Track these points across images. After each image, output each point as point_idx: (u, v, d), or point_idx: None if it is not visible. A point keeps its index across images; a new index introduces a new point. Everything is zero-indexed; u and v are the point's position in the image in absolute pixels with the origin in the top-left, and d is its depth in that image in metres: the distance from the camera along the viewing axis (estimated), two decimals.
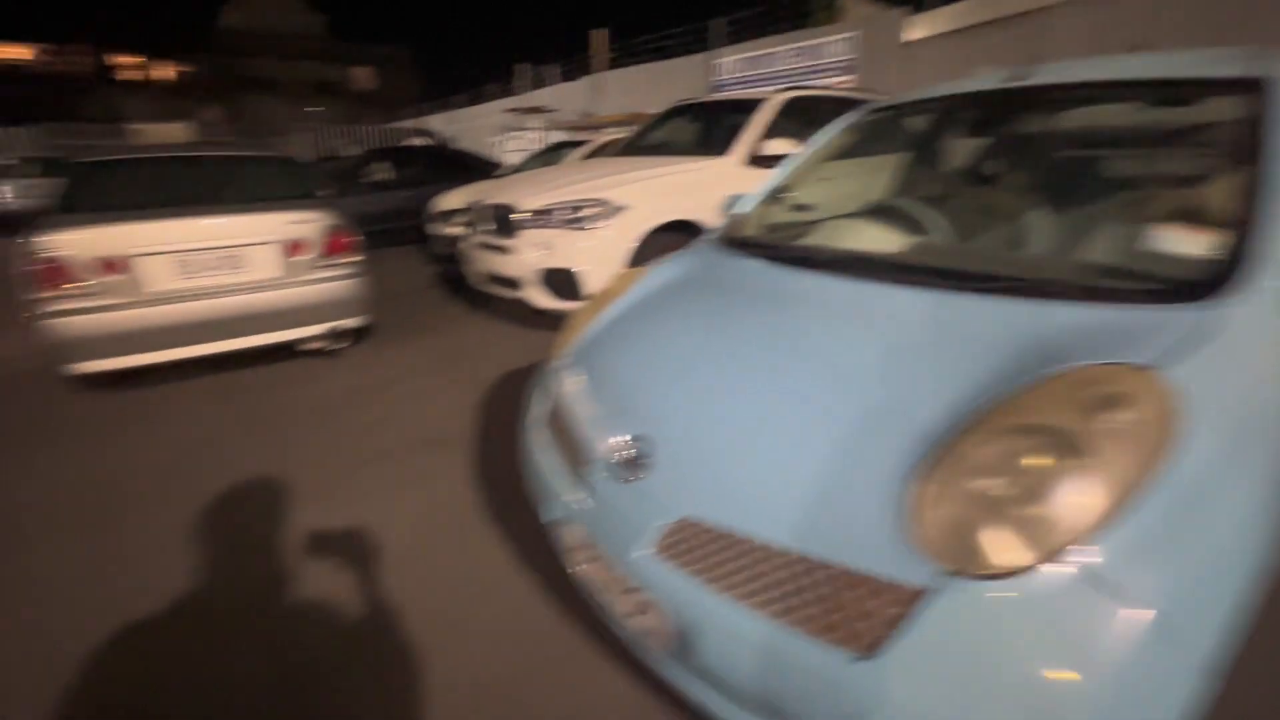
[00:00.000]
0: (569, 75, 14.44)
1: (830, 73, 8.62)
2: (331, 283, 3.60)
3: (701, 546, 1.11)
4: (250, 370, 3.78)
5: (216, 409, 3.28)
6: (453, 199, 6.41)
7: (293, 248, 3.46)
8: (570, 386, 1.62)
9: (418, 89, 39.80)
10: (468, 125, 18.36)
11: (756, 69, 9.57)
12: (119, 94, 33.75)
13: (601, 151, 6.50)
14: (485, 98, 17.92)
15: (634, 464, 1.26)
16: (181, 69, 38.27)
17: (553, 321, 4.32)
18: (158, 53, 36.28)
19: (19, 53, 33.06)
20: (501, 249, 4.05)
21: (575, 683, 1.54)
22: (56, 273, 2.92)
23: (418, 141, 11.64)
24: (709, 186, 4.04)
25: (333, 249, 3.60)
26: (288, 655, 1.65)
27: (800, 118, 4.40)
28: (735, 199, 2.39)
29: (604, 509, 1.31)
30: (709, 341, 1.49)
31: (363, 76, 43.03)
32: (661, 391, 1.36)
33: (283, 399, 3.39)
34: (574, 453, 1.46)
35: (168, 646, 1.70)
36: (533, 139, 12.63)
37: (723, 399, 1.29)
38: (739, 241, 1.96)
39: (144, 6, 35.01)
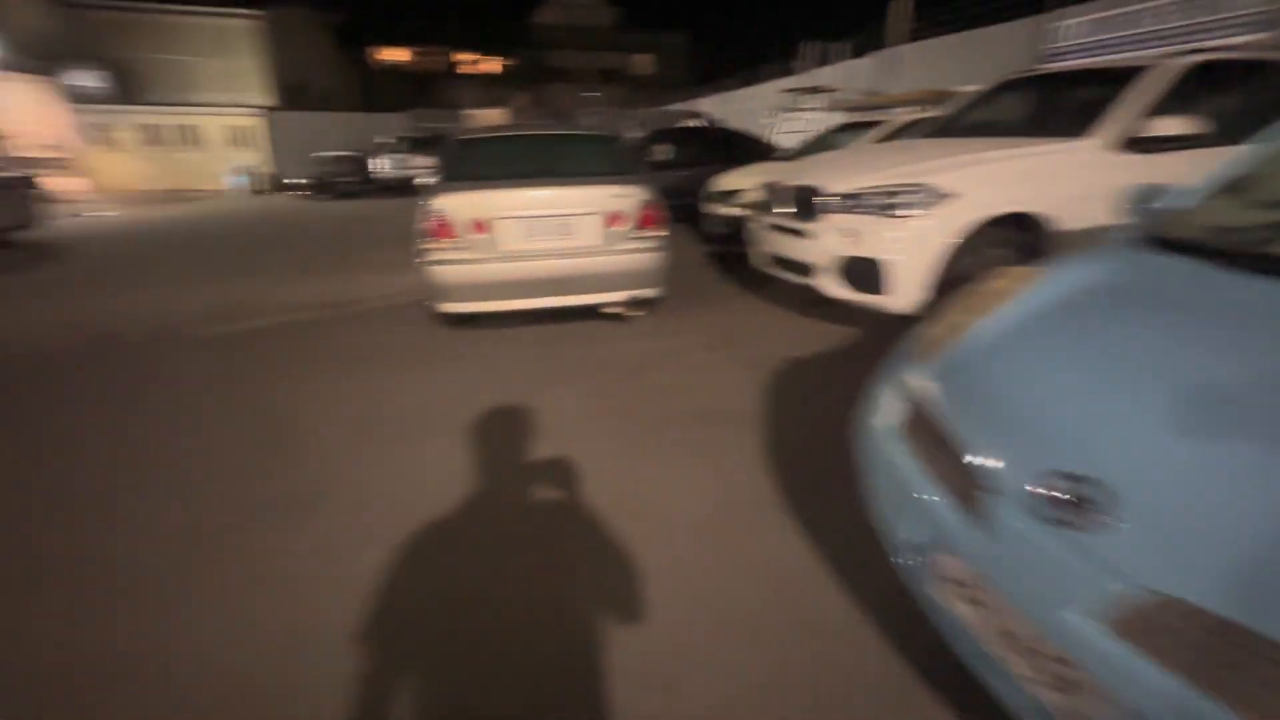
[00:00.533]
0: (859, 51, 13.55)
1: (1230, 31, 6.60)
2: (639, 253, 3.87)
3: (1189, 635, 0.86)
4: (556, 325, 4.28)
5: (535, 354, 3.78)
6: (732, 180, 6.46)
7: (612, 219, 3.78)
8: (948, 397, 1.43)
9: (692, 72, 41.34)
10: (739, 107, 18.48)
11: (1113, 31, 7.79)
12: (460, 85, 41.33)
13: (903, 134, 5.93)
14: (761, 78, 17.83)
15: (1075, 508, 1.03)
16: (503, 63, 45.24)
17: (840, 312, 4.12)
18: (489, 50, 43.28)
19: (398, 55, 42.26)
20: (798, 232, 3.92)
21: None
22: (443, 229, 3.61)
23: (693, 123, 12.08)
24: (1061, 174, 3.38)
25: (645, 222, 3.85)
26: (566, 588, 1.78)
27: (1208, 89, 3.42)
28: (1150, 190, 1.90)
29: (1010, 550, 1.10)
30: (1170, 368, 1.17)
31: (642, 62, 46.19)
32: (1117, 426, 1.10)
33: (585, 354, 3.77)
34: (958, 475, 1.27)
35: (457, 559, 1.96)
36: (811, 120, 12.19)
37: (1209, 446, 0.99)
38: (1179, 243, 1.53)
39: (482, 13, 41.61)
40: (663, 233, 3.96)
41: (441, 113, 23.43)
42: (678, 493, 2.30)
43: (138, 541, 2.08)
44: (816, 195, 3.75)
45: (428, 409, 3.08)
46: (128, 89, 19.05)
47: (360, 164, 17.02)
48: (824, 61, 14.32)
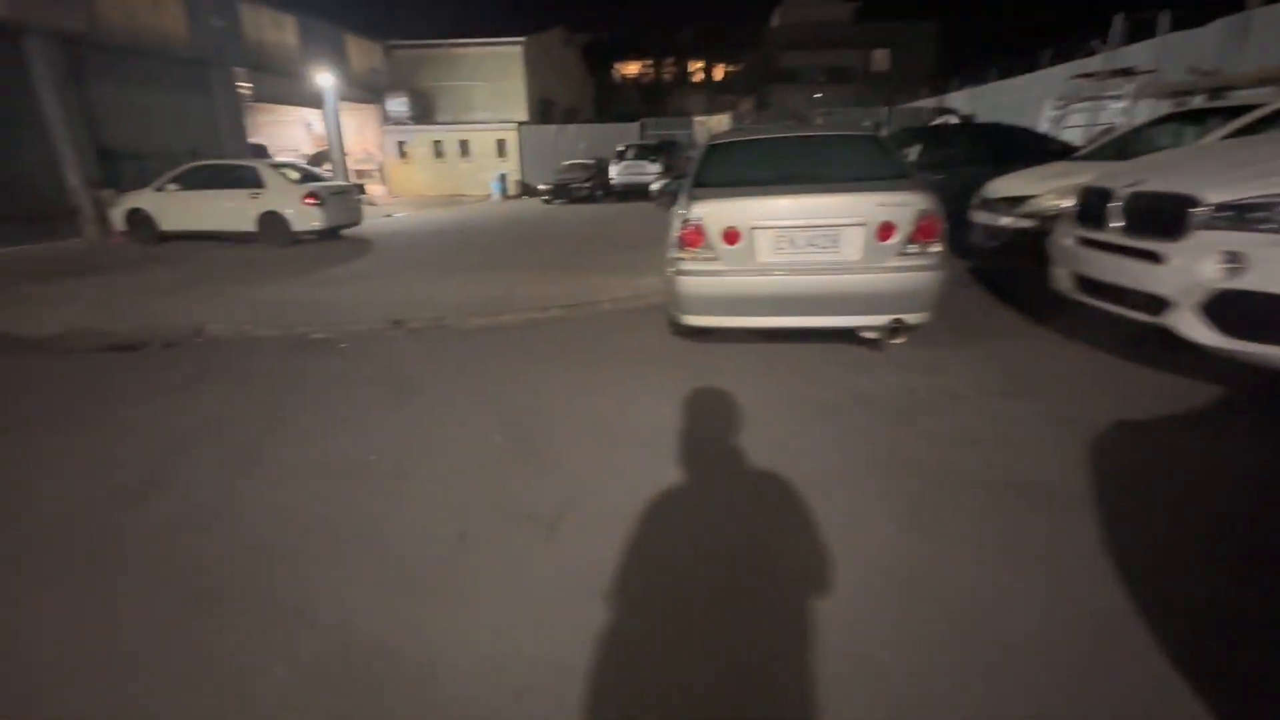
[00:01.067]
0: (1181, 22, 10.76)
1: None
2: (912, 272, 3.30)
3: None
4: (803, 346, 3.89)
5: (782, 380, 3.44)
6: (1019, 184, 5.41)
7: (884, 230, 3.27)
8: None
9: (936, 66, 37.49)
10: (1003, 100, 16.03)
11: None
12: (689, 92, 42.73)
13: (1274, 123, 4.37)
14: (1037, 65, 15.21)
15: None
16: (731, 69, 45.71)
17: (1191, 361, 3.08)
18: (719, 57, 44.01)
19: (633, 68, 45.02)
20: (1144, 253, 3.00)
21: None
22: (693, 238, 3.44)
23: (951, 120, 10.67)
24: None
25: (921, 235, 3.27)
26: None
27: None
28: None
29: None
30: None
31: (879, 58, 43.10)
32: None
33: (840, 385, 3.32)
34: None
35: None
36: (1115, 110, 9.99)
37: None
38: None
39: (714, 22, 42.39)
40: (940, 247, 3.34)
41: (671, 120, 24.26)
42: (987, 593, 1.77)
43: (415, 532, 2.19)
44: (1190, 205, 2.82)
45: (664, 425, 2.91)
46: (423, 111, 22.95)
47: (594, 171, 18.34)
48: (1131, 39, 11.66)
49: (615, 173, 17.16)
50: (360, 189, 19.68)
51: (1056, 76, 13.31)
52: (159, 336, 5.17)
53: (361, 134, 22.92)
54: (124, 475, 2.71)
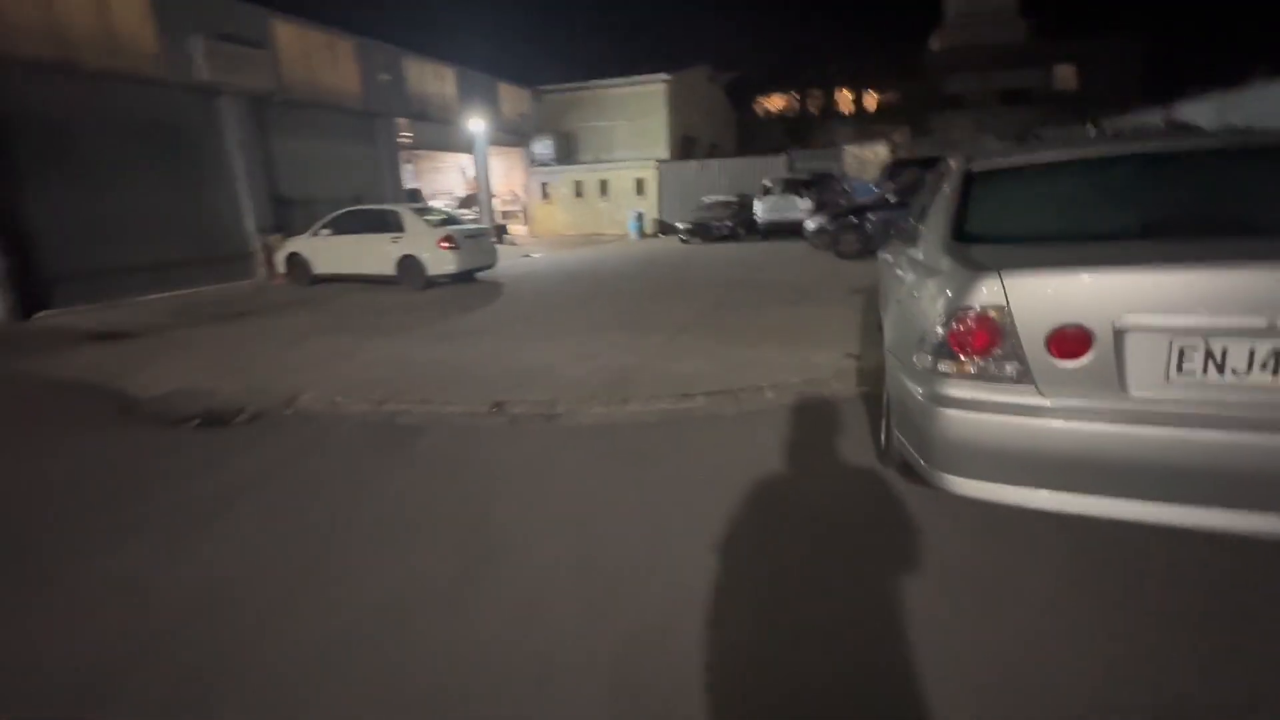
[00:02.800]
0: None
1: None
2: None
3: None
4: (1196, 550, 2.14)
5: (1109, 613, 1.76)
6: None
7: None
8: None
9: (1142, 77, 32.11)
10: (1265, 109, 12.42)
11: None
12: (836, 124, 40.60)
13: None
14: None
15: None
16: (882, 97, 42.96)
17: None
18: (871, 85, 41.51)
19: (777, 101, 43.74)
20: None
21: None
22: (982, 340, 1.86)
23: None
24: None
25: None
26: None
27: None
28: None
29: None
30: None
31: (1065, 75, 38.01)
32: None
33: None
34: None
35: None
36: None
37: None
38: None
39: (866, 50, 40.14)
40: None
41: (818, 152, 22.49)
42: None
43: None
44: None
45: None
46: (566, 152, 23.28)
47: (737, 208, 17.07)
48: None
49: (761, 210, 15.74)
50: (503, 230, 20.15)
51: None
52: (255, 403, 4.57)
53: (509, 176, 23.72)
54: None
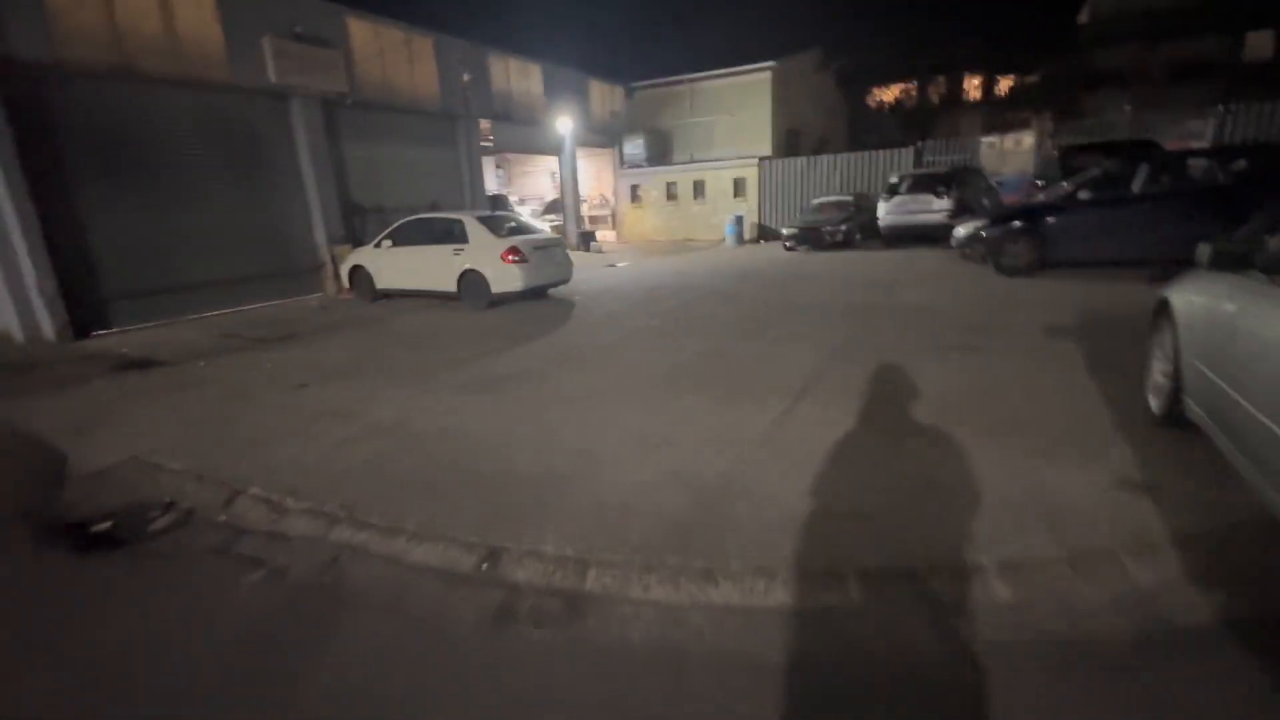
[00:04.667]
0: None
1: None
2: None
3: None
4: None
5: None
6: None
7: None
8: None
9: None
10: None
11: None
12: (965, 112, 36.28)
13: None
14: None
15: None
16: (1020, 79, 38.11)
17: None
18: (1006, 67, 36.86)
19: (895, 91, 39.83)
20: None
21: None
22: None
23: None
24: None
25: None
26: None
27: None
28: None
29: None
30: None
31: (1259, 43, 31.46)
32: None
33: None
34: None
35: None
36: None
37: None
38: None
39: (1002, 28, 35.61)
40: None
41: (950, 144, 19.39)
42: None
43: None
44: None
45: None
46: (660, 152, 21.64)
47: (853, 210, 14.61)
48: None
49: (885, 211, 13.19)
50: (590, 236, 18.79)
51: None
52: (191, 496, 3.25)
53: (598, 179, 22.45)
54: None
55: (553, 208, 20.03)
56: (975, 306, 6.71)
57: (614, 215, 22.29)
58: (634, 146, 20.93)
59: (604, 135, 20.51)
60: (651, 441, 3.53)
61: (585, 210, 22.08)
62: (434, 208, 13.29)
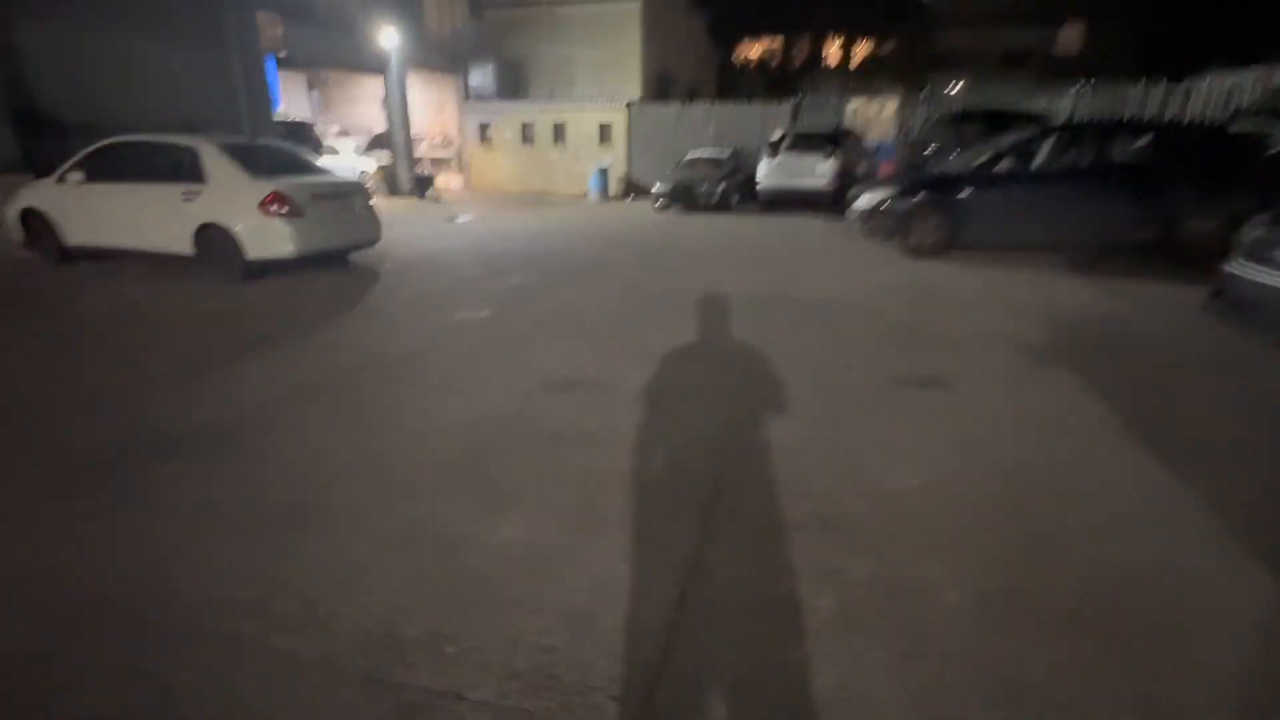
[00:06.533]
0: None
1: None
2: None
3: None
4: None
5: None
6: None
7: None
8: None
9: (1141, 47, 29.07)
10: None
11: None
12: (820, 79, 36.52)
13: None
14: None
15: None
16: (870, 53, 39.32)
17: None
18: (865, 34, 37.60)
19: (759, 47, 39.18)
20: None
21: None
22: None
23: None
24: None
25: None
26: None
27: None
28: None
29: None
30: None
31: (1069, 39, 34.77)
32: None
33: None
34: None
35: None
36: None
37: None
38: None
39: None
40: None
41: (823, 103, 18.60)
42: None
43: None
44: None
45: None
46: (514, 86, 18.62)
47: (730, 168, 13.09)
48: None
49: (766, 173, 11.76)
50: (428, 181, 15.53)
51: None
52: None
53: (442, 112, 18.91)
54: None
55: (379, 143, 16.36)
56: (900, 301, 5.34)
57: (459, 158, 18.99)
58: (481, 75, 17.71)
59: (444, 58, 17.03)
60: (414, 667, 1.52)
61: (426, 150, 18.54)
62: (190, 129, 9.61)
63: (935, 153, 9.98)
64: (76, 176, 6.42)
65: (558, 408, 3.23)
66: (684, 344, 4.25)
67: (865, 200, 7.41)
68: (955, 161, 7.65)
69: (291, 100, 18.20)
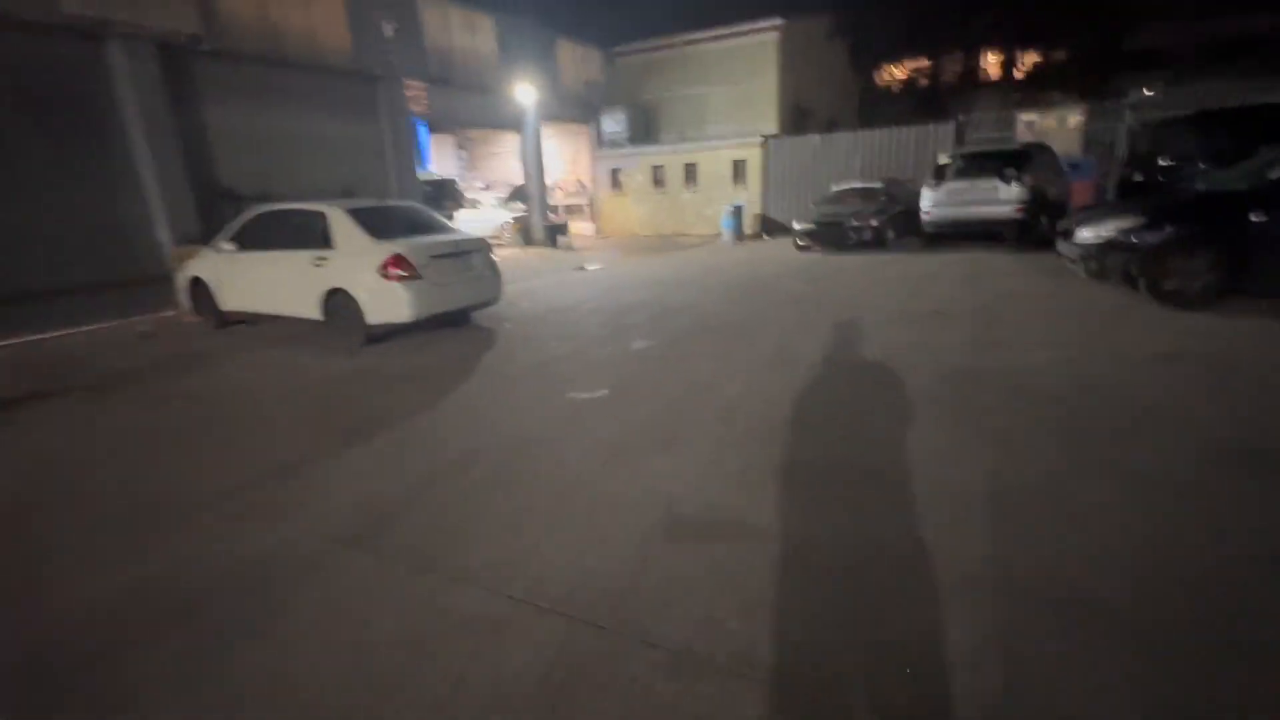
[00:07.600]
0: None
1: None
2: None
3: None
4: None
5: None
6: None
7: None
8: None
9: None
10: None
11: None
12: (975, 96, 33.15)
13: None
14: None
15: None
16: (1039, 60, 35.10)
17: None
18: (1030, 43, 33.71)
19: (906, 67, 36.60)
20: None
21: None
22: None
23: None
24: None
25: None
26: None
27: None
28: None
29: None
30: None
31: None
32: None
33: None
34: None
35: None
36: None
37: None
38: None
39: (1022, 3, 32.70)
40: None
41: (988, 120, 16.37)
42: None
43: None
44: None
45: None
46: (644, 129, 18.46)
47: (884, 199, 11.50)
48: None
49: (933, 201, 10.08)
50: (560, 229, 15.55)
51: None
52: None
53: (575, 161, 19.25)
54: None
55: (518, 195, 16.83)
56: (1190, 385, 3.67)
57: (591, 204, 19.11)
58: (614, 122, 17.73)
59: (578, 108, 17.29)
60: None
61: (559, 198, 18.90)
62: (347, 194, 10.18)
63: (1172, 169, 7.77)
64: (230, 246, 6.67)
65: (686, 580, 2.17)
66: (868, 460, 3.03)
67: (1089, 231, 5.66)
68: (1227, 176, 5.64)
69: (441, 159, 19.52)
